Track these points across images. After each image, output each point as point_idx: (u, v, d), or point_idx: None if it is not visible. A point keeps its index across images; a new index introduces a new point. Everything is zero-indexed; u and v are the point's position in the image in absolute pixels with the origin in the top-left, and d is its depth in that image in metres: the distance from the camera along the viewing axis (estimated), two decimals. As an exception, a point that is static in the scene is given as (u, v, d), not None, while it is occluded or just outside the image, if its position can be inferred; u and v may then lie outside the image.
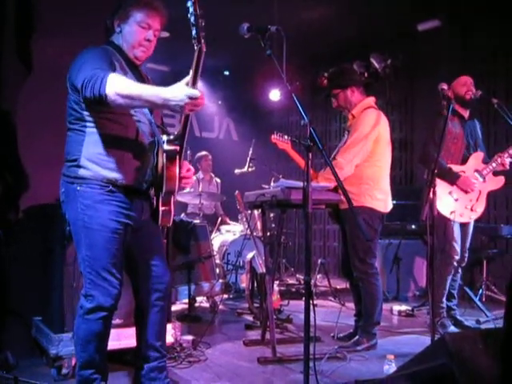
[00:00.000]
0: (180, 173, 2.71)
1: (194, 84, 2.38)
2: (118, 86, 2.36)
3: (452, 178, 4.56)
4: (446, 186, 4.55)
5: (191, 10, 2.32)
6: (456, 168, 4.61)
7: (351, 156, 4.12)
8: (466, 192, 4.59)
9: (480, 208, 4.66)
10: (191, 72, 2.40)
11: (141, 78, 2.83)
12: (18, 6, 3.82)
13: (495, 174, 4.71)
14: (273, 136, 4.45)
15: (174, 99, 2.35)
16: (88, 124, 2.61)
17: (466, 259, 4.76)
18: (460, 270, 4.80)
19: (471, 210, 4.62)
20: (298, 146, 4.24)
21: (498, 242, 6.47)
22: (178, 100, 2.35)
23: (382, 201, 4.21)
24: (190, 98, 2.34)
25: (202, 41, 2.36)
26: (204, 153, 7.83)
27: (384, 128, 4.25)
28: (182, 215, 6.78)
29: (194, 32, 2.35)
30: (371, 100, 4.38)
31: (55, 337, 3.29)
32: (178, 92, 2.35)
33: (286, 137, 4.46)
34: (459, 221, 4.60)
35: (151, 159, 2.73)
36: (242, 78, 9.29)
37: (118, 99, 2.38)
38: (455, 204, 4.56)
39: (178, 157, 2.67)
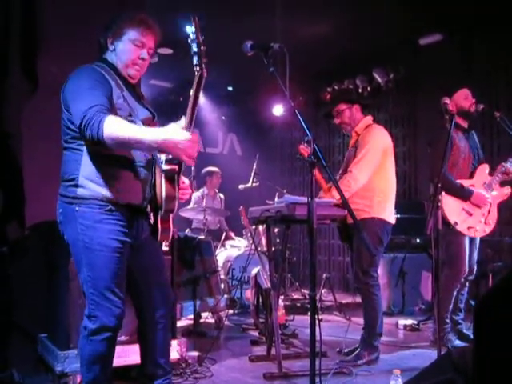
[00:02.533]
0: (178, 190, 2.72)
1: (191, 116, 2.42)
2: (114, 131, 2.38)
3: (465, 195, 4.54)
4: (458, 202, 4.54)
5: (193, 37, 2.35)
6: (466, 183, 4.60)
7: (363, 167, 4.20)
8: (480, 207, 4.58)
9: (493, 220, 4.64)
10: (191, 98, 2.43)
11: (136, 96, 2.83)
12: (23, 25, 3.86)
13: (501, 184, 4.71)
14: (301, 146, 4.50)
15: (172, 140, 2.39)
16: (85, 142, 2.57)
17: (474, 271, 4.74)
18: (467, 284, 4.79)
19: (485, 223, 4.61)
20: (302, 162, 4.29)
21: (503, 255, 6.44)
22: (176, 142, 2.39)
23: (391, 212, 4.33)
24: (187, 140, 2.39)
25: (203, 67, 2.38)
26: (215, 169, 7.79)
27: (390, 142, 4.39)
28: (187, 231, 6.78)
29: (195, 59, 2.38)
30: (370, 118, 4.52)
31: (61, 354, 3.28)
32: (176, 134, 2.39)
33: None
34: (476, 236, 4.60)
35: (149, 177, 2.72)
36: (245, 93, 9.33)
37: (114, 144, 2.43)
38: (470, 219, 4.55)
39: (176, 176, 2.68)
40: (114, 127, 2.38)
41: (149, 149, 2.58)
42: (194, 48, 2.36)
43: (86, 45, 3.52)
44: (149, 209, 2.76)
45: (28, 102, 3.88)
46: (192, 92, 2.43)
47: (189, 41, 2.36)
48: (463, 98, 4.65)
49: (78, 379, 3.21)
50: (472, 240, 4.68)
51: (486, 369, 1.02)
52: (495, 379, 0.99)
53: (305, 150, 4.49)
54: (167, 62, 7.44)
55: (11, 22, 3.82)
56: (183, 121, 2.48)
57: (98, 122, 2.38)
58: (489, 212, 4.62)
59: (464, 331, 4.74)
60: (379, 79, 7.96)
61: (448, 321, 4.60)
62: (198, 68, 2.38)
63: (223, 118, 9.89)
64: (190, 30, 2.36)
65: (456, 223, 4.46)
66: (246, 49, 2.83)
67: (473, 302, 5.54)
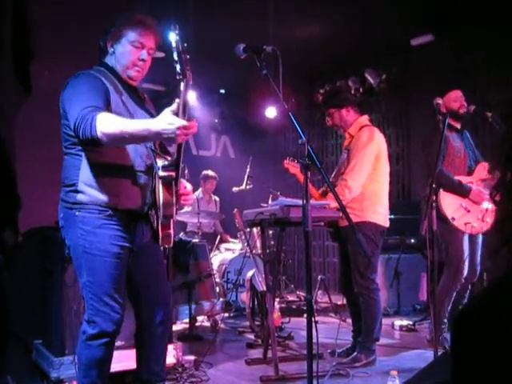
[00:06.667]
0: (178, 193, 2.71)
1: (183, 115, 2.40)
2: (107, 127, 2.36)
3: (464, 192, 4.54)
4: (457, 198, 4.54)
5: (174, 45, 2.39)
6: (464, 180, 4.60)
7: (358, 175, 4.17)
8: (478, 203, 4.58)
9: (490, 218, 4.62)
10: (180, 105, 2.42)
11: (138, 98, 2.82)
12: (16, 30, 3.84)
13: None
14: (285, 161, 4.52)
15: (165, 132, 2.34)
16: (84, 148, 2.58)
17: (478, 273, 4.68)
18: (470, 287, 4.71)
19: (482, 220, 4.60)
20: (297, 163, 4.29)
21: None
22: (169, 132, 2.34)
23: (384, 215, 4.28)
24: (181, 128, 2.34)
25: (188, 73, 2.40)
26: (212, 174, 7.80)
27: (383, 144, 4.34)
28: (181, 234, 6.77)
29: (178, 68, 2.40)
30: (365, 118, 4.46)
31: (56, 360, 3.27)
32: (168, 124, 2.34)
33: (295, 161, 4.52)
34: (473, 232, 4.57)
35: (149, 182, 2.71)
36: (238, 95, 9.32)
37: (109, 140, 2.41)
38: (468, 216, 4.54)
39: (174, 183, 2.67)
40: (107, 122, 2.37)
41: (143, 141, 2.60)
42: (175, 57, 2.38)
43: (81, 50, 3.52)
44: (152, 213, 2.75)
45: (21, 108, 3.86)
46: (180, 100, 2.43)
47: (172, 49, 2.38)
48: (453, 100, 4.66)
49: (74, 385, 3.20)
50: (474, 240, 4.64)
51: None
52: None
53: (289, 165, 4.51)
54: (160, 65, 7.42)
55: (3, 26, 3.81)
56: (175, 105, 2.44)
57: (90, 119, 2.37)
58: (486, 210, 4.62)
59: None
60: (371, 80, 7.97)
61: (446, 321, 4.58)
62: (180, 76, 2.40)
63: (216, 120, 9.86)
64: (172, 37, 2.38)
65: (453, 218, 4.45)
66: (239, 51, 2.82)
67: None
